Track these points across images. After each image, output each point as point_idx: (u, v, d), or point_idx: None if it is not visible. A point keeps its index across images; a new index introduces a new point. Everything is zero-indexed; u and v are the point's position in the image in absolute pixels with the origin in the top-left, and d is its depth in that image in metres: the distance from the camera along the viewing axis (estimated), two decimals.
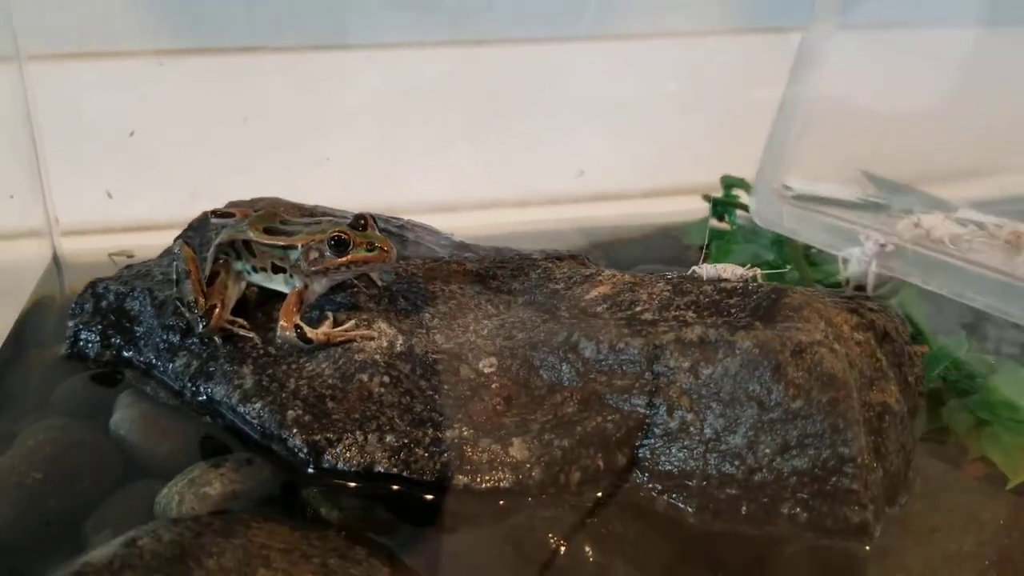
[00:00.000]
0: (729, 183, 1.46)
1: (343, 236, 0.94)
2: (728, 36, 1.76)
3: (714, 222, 1.46)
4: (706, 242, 1.01)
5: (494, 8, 1.67)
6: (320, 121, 1.52)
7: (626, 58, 1.75)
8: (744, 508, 0.82)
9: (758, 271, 0.95)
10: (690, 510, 0.83)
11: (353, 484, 0.87)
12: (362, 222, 0.96)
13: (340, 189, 1.19)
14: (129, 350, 1.06)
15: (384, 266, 0.98)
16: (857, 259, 1.00)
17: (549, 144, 1.71)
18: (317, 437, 0.88)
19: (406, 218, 1.20)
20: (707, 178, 1.52)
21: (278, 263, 0.98)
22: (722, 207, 1.44)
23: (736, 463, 0.81)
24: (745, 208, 1.39)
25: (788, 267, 1.07)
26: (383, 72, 1.62)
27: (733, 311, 0.88)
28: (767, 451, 0.80)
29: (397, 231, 1.17)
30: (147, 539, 0.75)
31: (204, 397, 0.98)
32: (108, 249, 1.28)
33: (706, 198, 1.49)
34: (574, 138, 1.71)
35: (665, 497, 0.84)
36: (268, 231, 1.00)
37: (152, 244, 1.16)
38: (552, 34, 1.73)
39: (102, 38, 1.41)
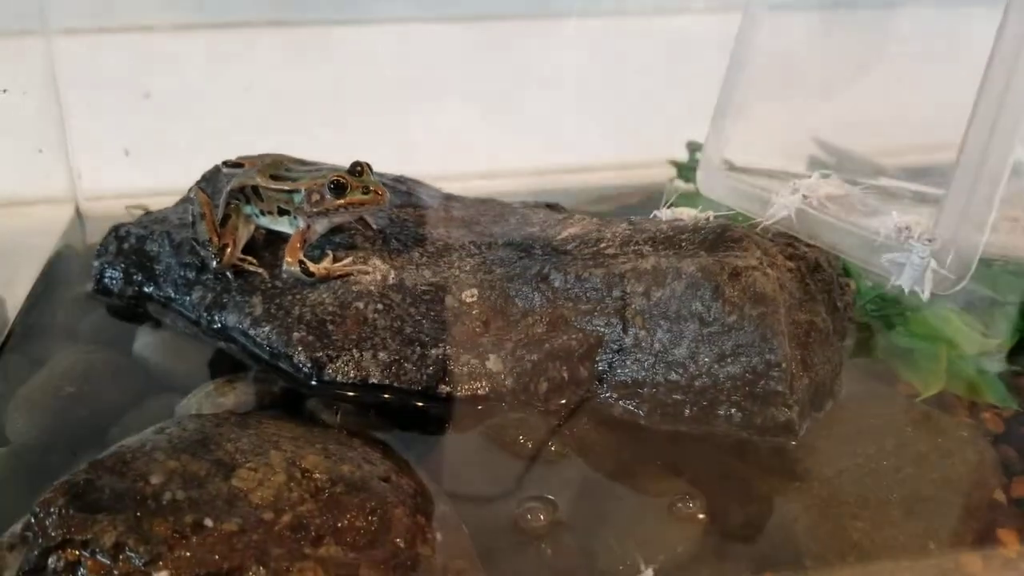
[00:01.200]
0: (694, 148, 1.58)
1: (341, 180, 1.06)
2: (708, 15, 1.87)
3: (680, 184, 1.58)
4: (671, 200, 1.14)
5: None
6: (323, 91, 1.63)
7: (611, 34, 1.86)
8: (687, 411, 0.95)
9: (711, 213, 1.08)
10: (641, 414, 0.96)
11: (351, 394, 1.00)
12: (359, 169, 1.09)
13: (340, 153, 1.30)
14: (149, 286, 1.18)
15: (378, 208, 1.10)
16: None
17: (537, 117, 1.82)
18: (319, 354, 1.01)
19: (400, 173, 1.32)
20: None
21: (283, 206, 1.11)
22: (687, 171, 1.56)
23: (680, 371, 0.94)
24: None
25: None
26: (385, 45, 1.73)
27: (684, 245, 1.01)
28: (706, 360, 0.93)
29: (391, 184, 1.29)
30: (174, 428, 0.88)
31: (218, 325, 1.10)
32: (126, 202, 1.40)
33: (673, 163, 1.61)
34: (562, 111, 1.82)
35: (621, 403, 0.97)
36: (274, 177, 1.12)
37: (166, 197, 1.28)
38: (544, 11, 1.84)
39: (123, 13, 1.53)
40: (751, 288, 0.92)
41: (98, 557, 0.74)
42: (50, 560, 0.75)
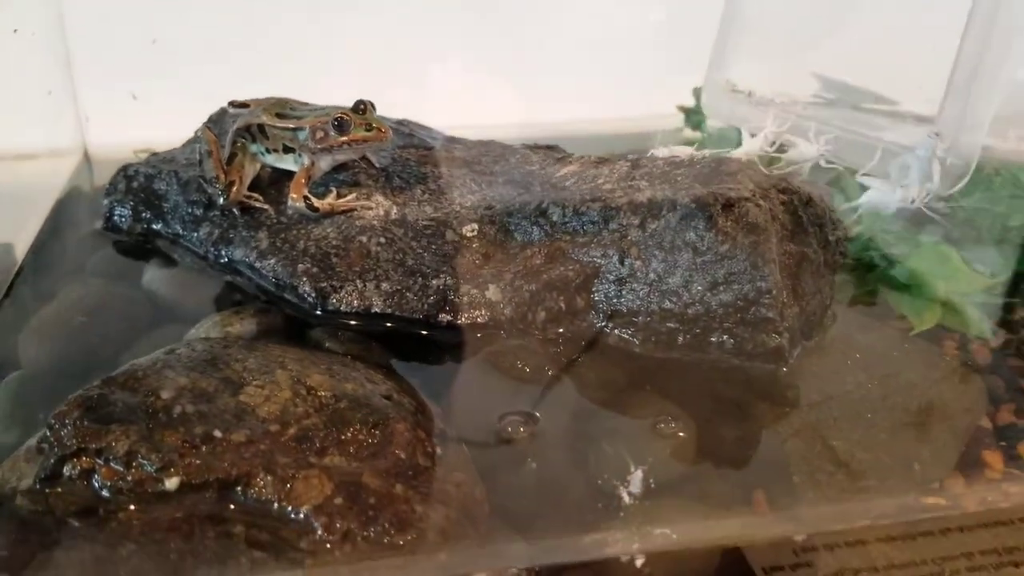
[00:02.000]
0: (700, 94, 1.60)
1: (345, 118, 1.09)
2: None
3: (688, 132, 1.60)
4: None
5: None
6: (331, 42, 1.65)
7: None
8: (681, 338, 0.98)
9: (707, 151, 1.10)
10: (636, 342, 0.99)
11: (354, 323, 1.03)
12: (362, 107, 1.11)
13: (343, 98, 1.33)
14: (158, 223, 1.21)
15: (381, 146, 1.13)
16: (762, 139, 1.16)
17: (541, 67, 1.83)
18: (323, 284, 1.04)
19: (403, 116, 1.35)
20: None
21: (288, 144, 1.13)
22: (695, 116, 1.58)
23: (674, 300, 0.97)
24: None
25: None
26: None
27: (679, 179, 1.03)
28: (699, 288, 0.96)
29: (394, 126, 1.31)
30: (184, 349, 0.91)
31: (225, 259, 1.13)
32: (133, 146, 1.42)
33: (681, 108, 1.63)
34: (567, 63, 1.83)
35: (617, 332, 1.00)
36: (280, 116, 1.14)
37: (173, 140, 1.31)
38: None
39: None
40: (744, 218, 0.95)
41: (112, 464, 0.77)
42: (65, 468, 0.78)
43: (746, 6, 1.17)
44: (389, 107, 1.25)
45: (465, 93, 1.71)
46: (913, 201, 1.04)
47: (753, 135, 1.10)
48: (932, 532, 0.83)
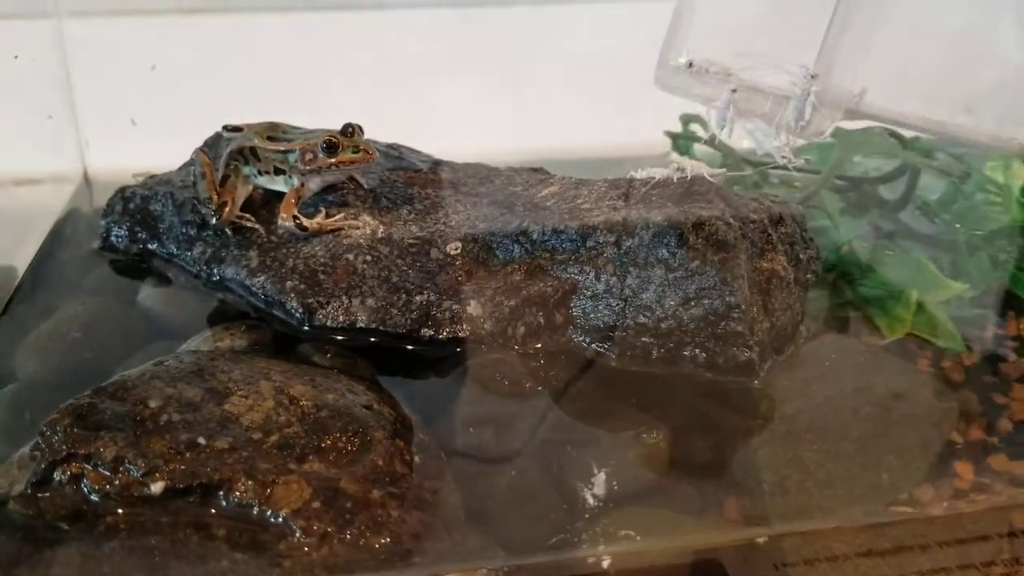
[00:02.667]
0: (687, 120, 1.64)
1: (333, 140, 1.13)
2: None
3: (675, 156, 1.64)
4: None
5: None
6: (327, 71, 1.69)
7: (604, 21, 1.91)
8: (655, 352, 1.01)
9: (688, 167, 1.13)
10: (613, 356, 1.02)
11: (340, 338, 1.06)
12: (350, 130, 1.15)
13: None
14: (153, 243, 1.25)
15: (367, 167, 1.16)
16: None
17: (535, 98, 1.87)
18: (311, 300, 1.07)
19: (394, 140, 1.39)
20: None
21: (279, 165, 1.17)
22: (682, 141, 1.62)
23: (648, 315, 1.00)
24: (699, 140, 1.57)
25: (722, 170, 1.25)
26: (387, 29, 1.79)
27: (654, 199, 1.07)
28: (672, 303, 0.99)
29: (384, 149, 1.35)
30: (172, 361, 0.94)
31: (217, 278, 1.17)
32: (132, 170, 1.46)
33: (667, 133, 1.67)
34: (558, 93, 1.87)
35: (593, 346, 1.03)
36: (271, 139, 1.18)
37: (171, 165, 1.35)
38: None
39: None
40: (713, 236, 0.98)
41: (99, 470, 0.80)
42: (56, 473, 0.81)
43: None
44: (381, 131, 1.30)
45: (459, 120, 1.75)
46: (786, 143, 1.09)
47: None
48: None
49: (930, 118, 1.18)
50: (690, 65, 1.20)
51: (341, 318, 1.05)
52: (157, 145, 1.43)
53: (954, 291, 1.18)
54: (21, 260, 1.25)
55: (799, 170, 1.25)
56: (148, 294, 1.18)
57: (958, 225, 1.38)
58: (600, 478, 0.88)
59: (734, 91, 1.18)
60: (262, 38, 1.63)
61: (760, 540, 0.79)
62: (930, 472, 0.95)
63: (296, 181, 1.16)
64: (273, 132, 1.20)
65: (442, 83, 1.80)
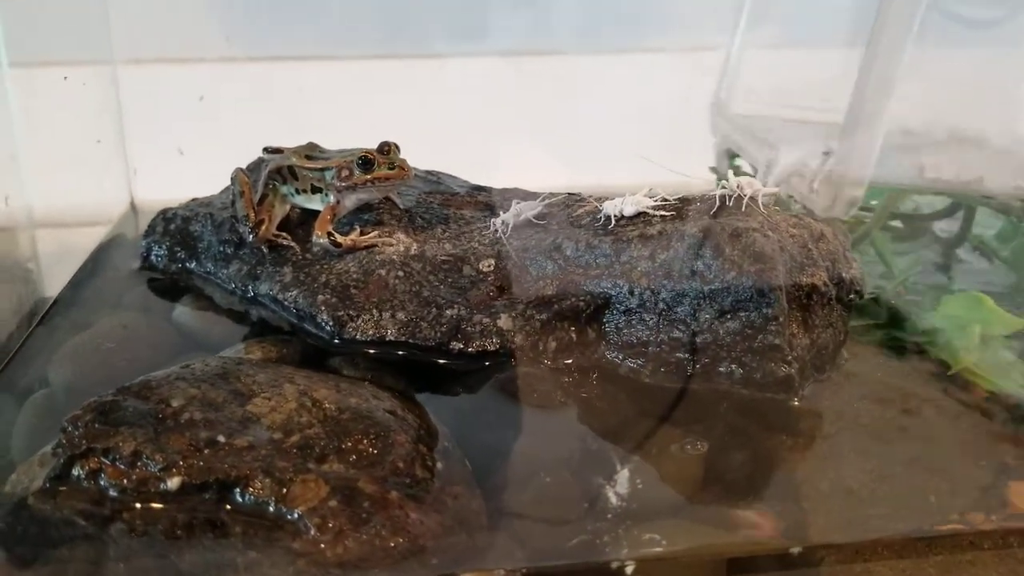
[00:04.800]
0: (733, 155, 1.63)
1: (369, 156, 1.13)
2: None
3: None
4: None
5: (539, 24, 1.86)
6: (370, 99, 1.72)
7: (641, 69, 1.92)
8: (690, 368, 0.98)
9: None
10: (647, 372, 0.99)
11: (371, 351, 1.05)
12: (386, 148, 1.16)
13: None
14: (191, 262, 1.26)
15: (403, 184, 1.16)
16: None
17: (581, 133, 1.88)
18: (341, 313, 1.06)
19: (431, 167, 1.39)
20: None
21: (316, 184, 1.18)
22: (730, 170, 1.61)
23: (683, 329, 0.98)
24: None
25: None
26: (425, 78, 1.82)
27: (691, 214, 1.05)
28: (707, 316, 0.96)
29: (423, 175, 1.36)
30: (198, 364, 0.94)
31: (252, 294, 1.17)
32: (177, 198, 1.48)
33: (712, 170, 1.66)
34: (606, 128, 1.88)
35: (627, 362, 1.00)
36: (309, 158, 1.19)
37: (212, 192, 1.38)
38: (579, 48, 1.92)
39: (179, 47, 1.66)
40: (751, 247, 0.95)
41: (117, 464, 0.79)
42: (74, 468, 0.80)
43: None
44: (422, 163, 1.31)
45: (508, 161, 1.76)
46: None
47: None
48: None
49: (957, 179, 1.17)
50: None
51: (371, 331, 1.04)
52: (203, 174, 1.45)
53: (1014, 326, 1.14)
54: (61, 278, 1.27)
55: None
56: (184, 310, 1.19)
57: (1015, 262, 1.34)
58: (633, 490, 0.84)
59: (826, 154, 1.17)
60: (310, 71, 1.65)
61: (795, 551, 0.74)
62: (981, 498, 0.90)
63: (332, 198, 1.16)
64: (311, 152, 1.21)
65: (491, 128, 1.81)
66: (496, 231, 1.11)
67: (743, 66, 1.24)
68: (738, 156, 1.65)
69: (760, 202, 1.02)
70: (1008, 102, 1.13)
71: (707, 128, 1.83)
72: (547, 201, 1.13)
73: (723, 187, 1.03)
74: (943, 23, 1.06)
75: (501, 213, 1.12)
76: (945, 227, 1.47)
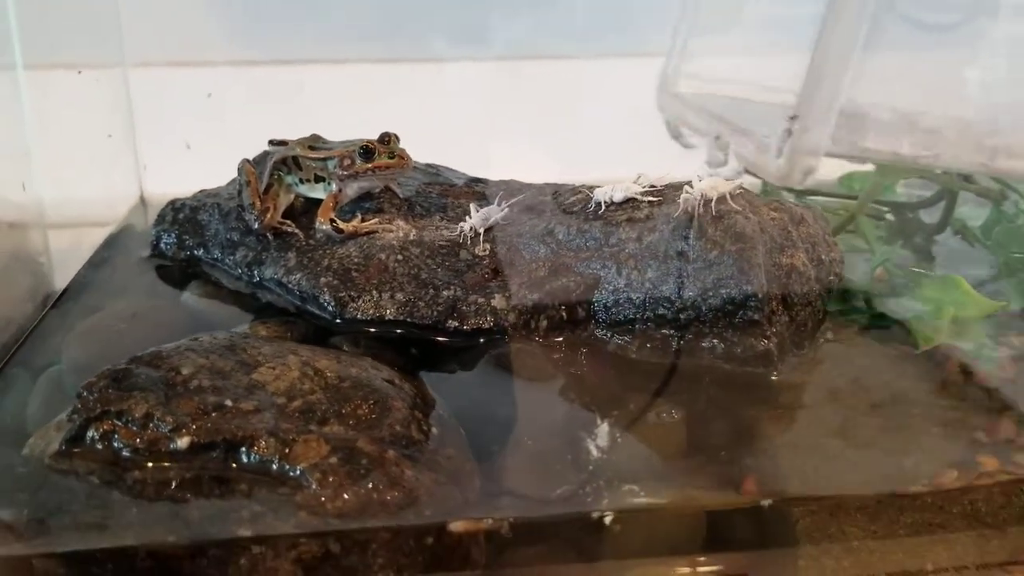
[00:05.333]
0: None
1: (370, 146, 1.19)
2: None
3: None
4: None
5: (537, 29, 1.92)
6: (374, 97, 1.77)
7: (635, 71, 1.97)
8: (674, 344, 1.02)
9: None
10: (633, 348, 1.04)
11: (371, 330, 1.10)
12: (387, 138, 1.21)
13: None
14: (199, 249, 1.31)
15: (402, 172, 1.22)
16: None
17: (576, 132, 1.93)
18: (342, 294, 1.11)
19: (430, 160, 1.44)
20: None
21: (319, 173, 1.23)
22: None
23: (667, 307, 1.02)
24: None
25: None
26: (425, 81, 1.88)
27: (676, 198, 1.10)
28: (690, 294, 1.01)
29: (422, 167, 1.41)
30: (206, 337, 0.99)
31: (257, 279, 1.22)
32: (185, 191, 1.54)
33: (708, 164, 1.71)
34: (600, 125, 1.92)
35: (615, 339, 1.05)
36: (312, 148, 1.25)
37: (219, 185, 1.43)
38: (574, 51, 1.97)
39: (186, 50, 1.72)
40: (732, 228, 1.00)
41: (129, 426, 0.84)
42: (89, 430, 0.85)
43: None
44: (420, 154, 1.36)
45: (505, 158, 1.81)
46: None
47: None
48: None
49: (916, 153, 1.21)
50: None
51: (371, 311, 1.09)
52: (211, 168, 1.50)
53: (988, 309, 1.18)
54: (73, 266, 1.32)
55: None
56: (191, 294, 1.24)
57: (997, 247, 1.38)
58: (617, 453, 0.89)
59: (717, 138, 1.22)
60: (314, 69, 1.71)
61: (765, 503, 0.79)
62: (953, 462, 0.94)
63: (335, 187, 1.21)
64: (315, 143, 1.26)
65: (488, 129, 1.86)
66: (464, 235, 1.15)
67: (690, 46, 1.28)
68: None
69: (729, 198, 1.06)
70: (954, 88, 1.18)
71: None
72: (513, 202, 1.17)
73: (687, 193, 1.07)
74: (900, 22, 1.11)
75: (467, 218, 1.17)
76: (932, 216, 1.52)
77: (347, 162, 1.19)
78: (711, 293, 1.00)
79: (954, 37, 1.10)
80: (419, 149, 1.69)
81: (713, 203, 1.02)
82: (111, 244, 1.42)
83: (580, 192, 1.21)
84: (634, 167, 1.89)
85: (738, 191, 1.04)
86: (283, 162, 1.26)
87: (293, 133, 1.46)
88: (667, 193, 1.10)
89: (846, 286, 1.20)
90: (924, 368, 1.09)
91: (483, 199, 1.29)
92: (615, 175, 1.85)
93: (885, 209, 1.48)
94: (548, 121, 1.90)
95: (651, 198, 1.09)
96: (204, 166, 1.60)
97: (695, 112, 1.19)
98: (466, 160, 1.73)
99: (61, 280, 1.30)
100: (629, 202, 1.12)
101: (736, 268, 0.98)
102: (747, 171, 1.24)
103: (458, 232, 1.15)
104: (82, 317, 1.19)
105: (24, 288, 1.23)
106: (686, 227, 1.01)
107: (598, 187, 1.17)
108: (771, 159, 1.03)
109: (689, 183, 1.07)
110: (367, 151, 1.17)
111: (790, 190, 1.44)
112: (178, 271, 1.31)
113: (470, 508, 0.80)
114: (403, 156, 1.17)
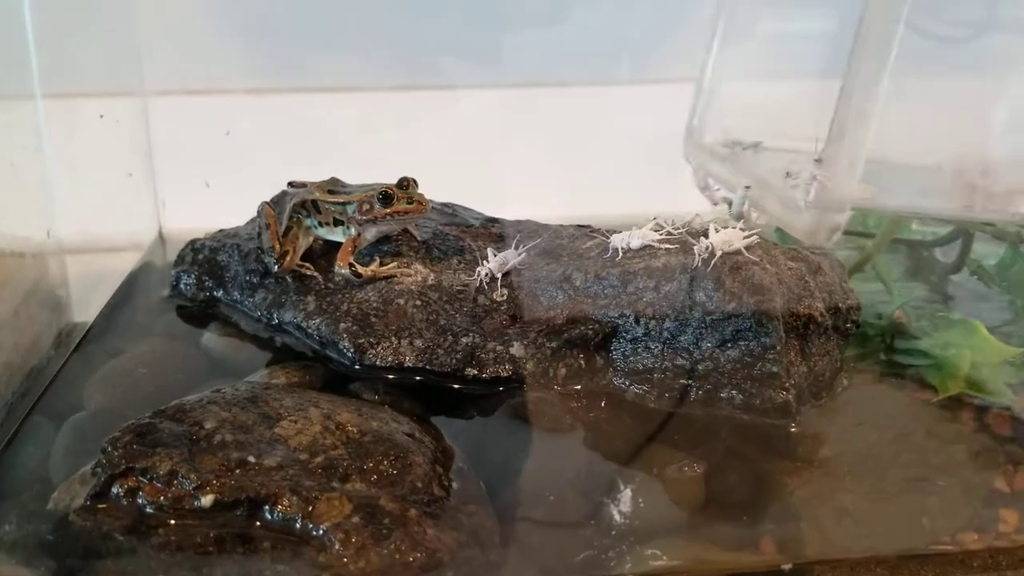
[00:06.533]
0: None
1: (389, 192, 1.20)
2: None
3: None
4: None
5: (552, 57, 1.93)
6: (391, 135, 1.79)
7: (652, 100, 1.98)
8: (693, 394, 1.03)
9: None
10: (652, 397, 1.05)
11: (390, 376, 1.11)
12: (405, 183, 1.22)
13: None
14: (218, 291, 1.32)
15: (421, 217, 1.23)
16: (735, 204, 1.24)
17: (592, 165, 1.94)
18: (362, 340, 1.12)
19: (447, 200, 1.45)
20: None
21: (338, 217, 1.24)
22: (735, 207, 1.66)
23: (686, 357, 1.03)
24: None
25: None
26: (442, 109, 1.89)
27: (694, 246, 1.10)
28: (709, 345, 1.02)
29: (439, 207, 1.42)
30: (228, 389, 0.99)
31: (276, 322, 1.23)
32: (204, 229, 1.55)
33: (725, 199, 1.72)
34: (614, 158, 1.93)
35: (633, 388, 1.06)
36: (331, 192, 1.26)
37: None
38: (591, 79, 1.98)
39: (204, 79, 1.74)
40: (749, 280, 1.01)
41: (154, 483, 0.85)
42: (114, 486, 0.86)
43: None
44: (441, 195, 1.37)
45: (517, 187, 1.82)
46: None
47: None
48: None
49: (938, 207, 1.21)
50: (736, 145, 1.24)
51: (390, 358, 1.10)
52: (230, 206, 1.51)
53: (1006, 354, 1.18)
54: (94, 307, 1.33)
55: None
56: (211, 337, 1.25)
57: (1014, 287, 1.38)
58: (637, 509, 0.89)
59: (748, 188, 1.22)
60: (331, 108, 1.72)
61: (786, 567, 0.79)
62: (973, 518, 0.94)
63: (353, 231, 1.22)
64: (334, 187, 1.27)
65: (501, 154, 1.87)
66: (481, 280, 1.16)
67: (716, 94, 1.29)
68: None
69: (743, 249, 1.06)
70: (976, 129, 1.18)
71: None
72: (530, 245, 1.18)
73: (702, 245, 1.07)
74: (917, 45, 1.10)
75: (484, 263, 1.17)
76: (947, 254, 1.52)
77: (366, 207, 1.20)
78: (729, 344, 1.00)
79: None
80: (435, 180, 1.70)
81: (729, 253, 1.02)
82: (131, 283, 1.43)
83: (596, 237, 1.22)
84: (651, 198, 1.90)
85: (755, 242, 1.04)
86: (302, 205, 1.27)
87: (310, 165, 1.48)
88: (684, 240, 1.10)
89: (864, 330, 1.20)
90: (942, 417, 1.09)
91: (500, 241, 1.29)
92: (632, 207, 1.87)
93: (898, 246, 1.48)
94: (564, 149, 1.91)
95: (668, 246, 1.09)
96: (223, 201, 1.62)
97: (720, 163, 1.20)
98: (481, 190, 1.74)
99: (81, 319, 1.31)
100: (646, 248, 1.12)
101: (754, 320, 0.99)
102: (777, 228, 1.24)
103: (475, 276, 1.16)
104: (104, 359, 1.19)
105: (47, 329, 1.24)
106: (703, 277, 1.02)
107: (615, 232, 1.17)
108: (797, 214, 1.03)
109: (705, 233, 1.08)
110: (386, 197, 1.18)
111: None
112: (197, 312, 1.32)
113: (491, 569, 0.80)
114: (422, 201, 1.18)
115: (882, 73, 1.00)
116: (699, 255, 1.03)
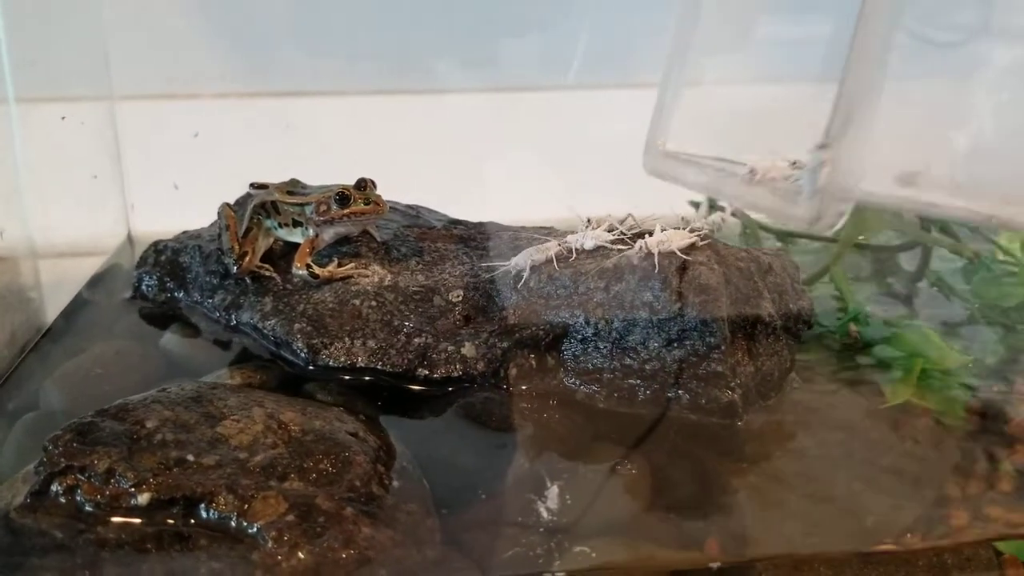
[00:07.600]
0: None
1: (346, 192, 1.20)
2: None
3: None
4: None
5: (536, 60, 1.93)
6: (360, 136, 1.79)
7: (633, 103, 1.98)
8: (641, 394, 1.03)
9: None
10: (601, 397, 1.05)
11: (344, 377, 1.11)
12: (363, 184, 1.22)
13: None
14: (180, 292, 1.32)
15: (377, 219, 1.23)
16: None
17: (567, 173, 1.94)
18: (315, 341, 1.13)
19: (412, 201, 1.45)
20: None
21: (297, 218, 1.24)
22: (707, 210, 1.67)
23: (634, 356, 1.03)
24: (723, 209, 1.61)
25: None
26: (418, 113, 1.89)
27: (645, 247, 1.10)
28: (656, 345, 1.02)
29: (403, 209, 1.42)
30: (174, 388, 1.00)
31: (235, 323, 1.23)
32: (173, 230, 1.55)
33: (691, 203, 1.72)
34: (589, 169, 1.93)
35: (583, 388, 1.06)
36: (290, 193, 1.26)
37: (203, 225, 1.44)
38: (570, 83, 1.98)
39: (175, 83, 1.74)
40: (696, 280, 1.01)
41: (92, 481, 0.85)
42: (53, 484, 0.86)
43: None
44: (404, 194, 1.37)
45: (497, 190, 1.82)
46: None
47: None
48: None
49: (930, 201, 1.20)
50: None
51: (343, 358, 1.10)
52: (198, 208, 1.52)
53: (957, 362, 1.19)
54: (55, 307, 1.33)
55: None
56: (170, 338, 1.25)
57: (974, 296, 1.38)
58: (580, 507, 0.89)
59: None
60: (300, 108, 1.73)
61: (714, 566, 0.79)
62: (917, 521, 0.94)
63: (311, 232, 1.22)
64: (293, 188, 1.27)
65: (480, 158, 1.87)
66: (512, 276, 1.15)
67: (677, 103, 1.28)
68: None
69: (677, 250, 1.06)
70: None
71: None
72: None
73: (642, 241, 1.07)
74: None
75: (515, 259, 1.16)
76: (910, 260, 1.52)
77: (323, 208, 1.20)
78: (675, 344, 1.00)
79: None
80: (409, 183, 1.71)
81: (676, 252, 1.02)
82: (95, 284, 1.43)
83: (555, 235, 1.22)
84: (631, 200, 1.90)
85: (697, 242, 1.04)
86: (262, 206, 1.28)
87: (283, 169, 1.48)
88: (636, 241, 1.10)
89: (819, 332, 1.20)
90: (892, 420, 1.09)
91: (461, 242, 1.30)
92: (615, 208, 1.87)
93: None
94: (548, 152, 1.91)
95: (620, 246, 1.10)
96: (192, 204, 1.62)
97: (694, 169, 1.18)
98: (460, 194, 1.74)
99: (45, 320, 1.31)
100: (599, 250, 1.12)
101: (699, 320, 0.99)
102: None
103: (507, 271, 1.15)
104: (62, 360, 1.20)
105: (7, 329, 1.25)
106: (651, 278, 1.02)
107: (571, 233, 1.18)
108: (801, 200, 1.02)
109: (650, 232, 1.08)
110: (343, 197, 1.18)
111: (767, 229, 1.45)
112: (159, 313, 1.32)
113: (427, 567, 0.81)
114: (379, 203, 1.19)
115: (886, 48, 0.97)
116: (635, 255, 1.03)
